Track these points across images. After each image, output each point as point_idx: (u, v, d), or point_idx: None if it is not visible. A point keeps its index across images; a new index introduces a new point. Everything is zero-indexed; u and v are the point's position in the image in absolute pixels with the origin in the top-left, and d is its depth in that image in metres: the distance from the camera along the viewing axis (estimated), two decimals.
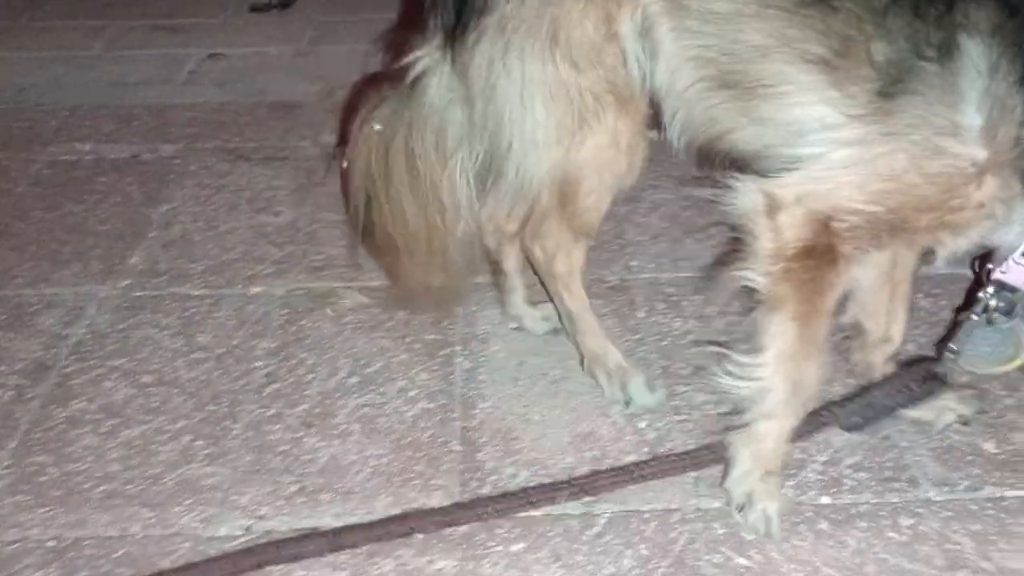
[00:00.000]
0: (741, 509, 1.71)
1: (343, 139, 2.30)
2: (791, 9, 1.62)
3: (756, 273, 1.65)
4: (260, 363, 2.11)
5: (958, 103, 1.52)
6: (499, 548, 1.69)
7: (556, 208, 1.91)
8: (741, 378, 1.69)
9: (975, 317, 1.78)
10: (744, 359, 1.69)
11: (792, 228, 1.61)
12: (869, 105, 1.57)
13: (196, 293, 2.33)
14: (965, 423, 1.93)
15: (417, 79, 1.97)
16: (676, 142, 1.86)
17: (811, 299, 1.64)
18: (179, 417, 1.96)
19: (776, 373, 1.67)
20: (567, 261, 2.00)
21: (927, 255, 1.79)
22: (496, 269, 2.24)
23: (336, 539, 1.68)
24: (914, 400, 1.85)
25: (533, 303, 2.23)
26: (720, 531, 1.71)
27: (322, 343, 2.17)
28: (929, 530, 1.71)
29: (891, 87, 1.54)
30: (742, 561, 1.66)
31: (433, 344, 2.17)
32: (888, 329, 1.96)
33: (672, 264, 2.41)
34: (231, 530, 1.72)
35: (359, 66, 3.55)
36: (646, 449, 1.89)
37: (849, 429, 1.86)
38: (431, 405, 2.00)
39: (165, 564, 1.64)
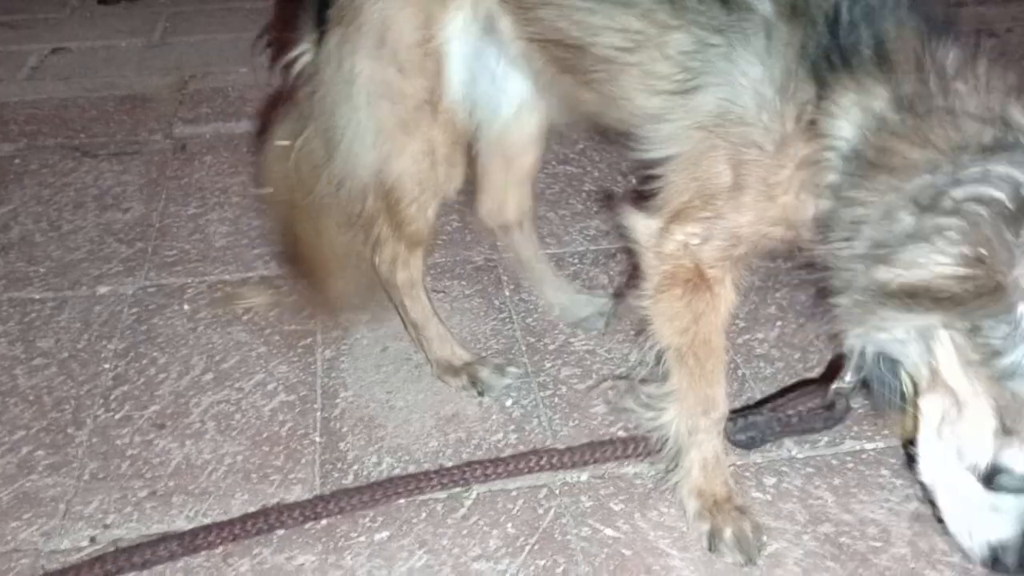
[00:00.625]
0: (713, 548, 1.60)
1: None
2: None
3: (641, 302, 1.59)
4: (107, 365, 2.00)
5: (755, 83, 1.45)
6: (362, 538, 1.63)
7: (384, 214, 1.86)
8: (651, 409, 1.64)
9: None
10: (650, 390, 1.65)
11: (656, 255, 1.55)
12: (673, 99, 1.52)
13: (37, 297, 2.20)
14: None
15: (304, 80, 1.88)
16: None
17: (691, 330, 1.56)
18: (17, 428, 1.84)
19: (679, 407, 1.61)
20: (405, 271, 1.94)
21: None
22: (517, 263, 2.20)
23: (189, 541, 1.60)
24: (798, 431, 1.74)
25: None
26: (587, 504, 1.70)
27: (174, 341, 2.07)
28: (792, 487, 1.73)
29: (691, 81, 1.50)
30: (609, 532, 1.64)
31: (293, 335, 2.09)
32: None
33: (539, 242, 2.39)
34: (75, 541, 1.62)
35: (215, 56, 3.43)
36: (512, 427, 1.86)
37: (735, 444, 1.73)
38: (290, 397, 1.93)
39: None
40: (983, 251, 1.20)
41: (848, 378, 1.59)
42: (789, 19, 1.43)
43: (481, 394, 1.94)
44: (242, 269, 2.28)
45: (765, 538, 1.61)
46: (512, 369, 1.98)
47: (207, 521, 1.65)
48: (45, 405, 1.89)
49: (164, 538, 1.61)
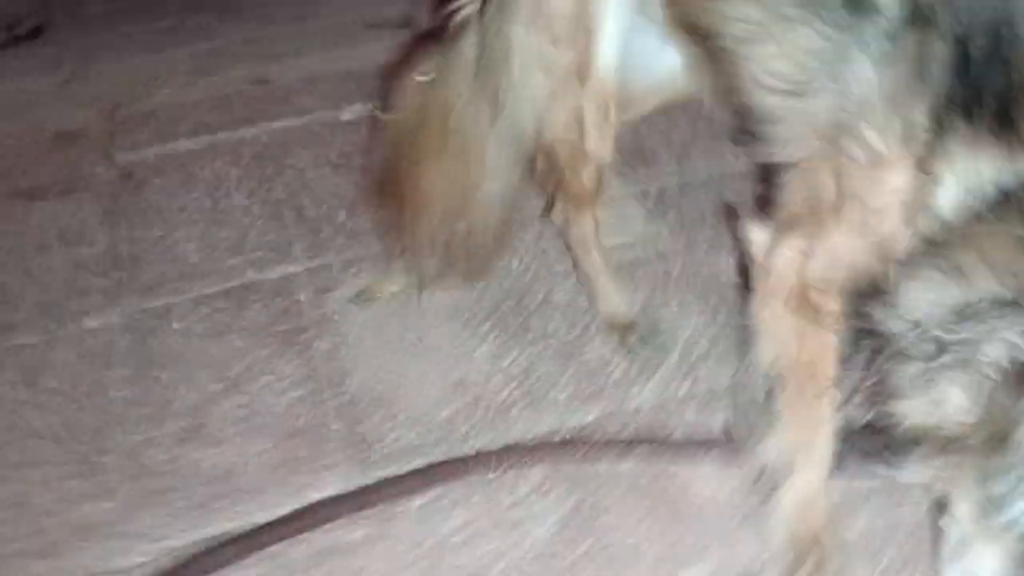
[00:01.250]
0: None
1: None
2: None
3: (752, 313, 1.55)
4: (116, 393, 2.06)
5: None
6: (400, 508, 1.76)
7: (550, 175, 1.96)
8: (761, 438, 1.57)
9: None
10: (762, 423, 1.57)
11: (765, 267, 1.51)
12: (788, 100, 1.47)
13: (28, 341, 2.23)
14: None
15: (459, 28, 1.93)
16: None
17: (791, 351, 1.50)
18: (44, 465, 1.90)
19: (780, 435, 1.54)
20: (576, 228, 2.04)
21: None
22: None
23: (248, 541, 1.70)
24: None
25: None
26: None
27: (175, 359, 2.14)
28: None
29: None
30: (628, 466, 1.79)
31: (287, 334, 2.18)
32: None
33: None
34: (135, 557, 1.70)
35: (135, 81, 3.44)
36: (515, 384, 1.99)
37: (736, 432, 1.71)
38: (301, 392, 2.02)
39: None
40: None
41: None
42: (918, 28, 1.31)
43: (629, 353, 2.03)
44: (221, 280, 2.34)
45: None
46: (657, 339, 2.04)
47: (251, 520, 1.75)
48: (65, 440, 1.95)
49: (226, 542, 1.70)
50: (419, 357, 2.08)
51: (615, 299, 2.09)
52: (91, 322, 2.27)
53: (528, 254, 2.32)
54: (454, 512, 1.75)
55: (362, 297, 2.21)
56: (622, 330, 2.06)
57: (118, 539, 1.74)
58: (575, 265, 2.14)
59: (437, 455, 1.85)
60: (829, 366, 1.51)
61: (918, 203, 1.31)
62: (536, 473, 1.79)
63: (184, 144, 2.96)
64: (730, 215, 1.71)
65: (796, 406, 1.51)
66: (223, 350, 2.15)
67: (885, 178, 1.33)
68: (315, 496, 1.80)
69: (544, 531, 1.70)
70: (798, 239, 1.46)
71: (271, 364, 2.10)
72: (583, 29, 1.78)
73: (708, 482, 1.75)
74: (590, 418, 1.90)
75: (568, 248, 2.13)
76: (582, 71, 1.81)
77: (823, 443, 1.55)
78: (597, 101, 1.84)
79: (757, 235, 1.53)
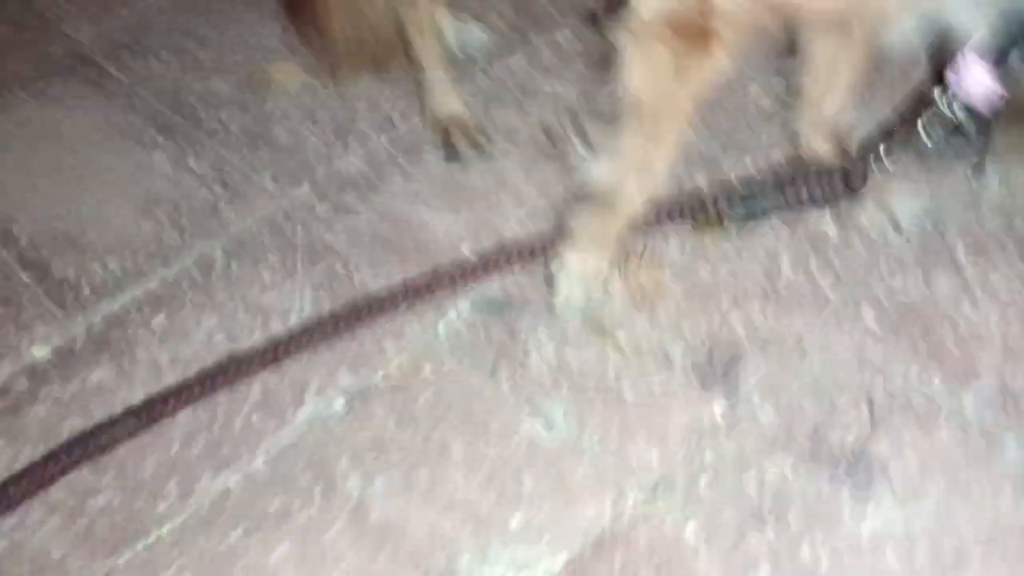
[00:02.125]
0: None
1: None
2: None
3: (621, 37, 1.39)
4: None
5: None
6: None
7: None
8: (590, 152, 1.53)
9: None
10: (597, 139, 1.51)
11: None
12: None
13: None
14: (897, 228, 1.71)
15: None
16: None
17: (663, 85, 1.39)
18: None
19: (617, 164, 1.48)
20: (417, 11, 1.84)
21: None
22: None
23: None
24: (806, 206, 1.63)
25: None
26: None
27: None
28: None
29: None
30: None
31: None
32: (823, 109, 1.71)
33: None
34: None
35: None
36: (210, 181, 1.85)
37: (731, 221, 1.66)
38: None
39: None
40: None
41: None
42: None
43: (447, 160, 1.87)
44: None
45: None
46: (483, 143, 1.88)
47: None
48: None
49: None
50: (88, 181, 1.85)
51: (451, 94, 1.93)
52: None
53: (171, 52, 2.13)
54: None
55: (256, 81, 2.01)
56: (451, 128, 1.91)
57: None
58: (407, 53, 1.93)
59: (155, 274, 1.69)
60: (690, 104, 1.43)
61: None
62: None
63: None
64: None
65: (643, 139, 1.44)
66: None
67: None
68: (39, 354, 1.59)
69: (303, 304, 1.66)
70: None
71: None
72: None
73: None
74: (304, 189, 1.83)
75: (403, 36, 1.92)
76: None
77: (657, 172, 1.49)
78: None
79: None
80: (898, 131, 1.61)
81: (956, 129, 1.50)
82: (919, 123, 1.52)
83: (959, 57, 1.36)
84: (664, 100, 1.40)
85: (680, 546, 1.31)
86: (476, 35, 2.10)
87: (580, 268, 1.58)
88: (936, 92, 1.48)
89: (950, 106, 1.47)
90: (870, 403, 1.45)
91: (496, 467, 1.40)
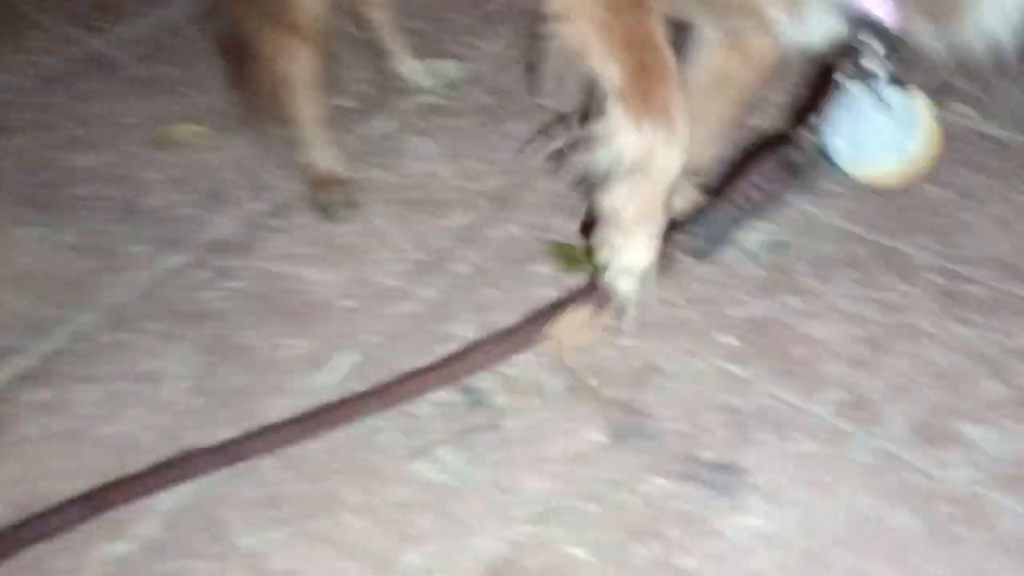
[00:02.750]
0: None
1: None
2: None
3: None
4: None
5: None
6: None
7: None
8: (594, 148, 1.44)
9: (848, 81, 1.30)
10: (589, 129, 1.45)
11: None
12: None
13: None
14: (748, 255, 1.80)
15: None
16: None
17: (616, 22, 1.35)
18: None
19: (629, 127, 1.39)
20: (293, 64, 1.83)
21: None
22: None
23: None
24: (763, 204, 1.49)
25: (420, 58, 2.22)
26: None
27: None
28: None
29: None
30: None
31: None
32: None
33: None
34: None
35: None
36: (86, 251, 1.86)
37: (697, 255, 1.58)
38: None
39: None
40: None
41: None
42: None
43: (323, 218, 1.91)
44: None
45: None
46: (358, 200, 1.93)
47: None
48: None
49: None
50: None
51: (325, 153, 1.96)
52: None
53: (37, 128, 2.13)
54: None
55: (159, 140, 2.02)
56: (326, 186, 1.94)
57: None
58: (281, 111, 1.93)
59: (34, 349, 1.69)
60: (662, 33, 1.38)
61: None
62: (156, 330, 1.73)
63: None
64: None
65: (636, 77, 1.36)
66: None
67: None
68: None
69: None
70: None
71: None
72: None
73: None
74: (182, 256, 1.85)
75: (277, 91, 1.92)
76: None
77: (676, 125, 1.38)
78: None
79: None
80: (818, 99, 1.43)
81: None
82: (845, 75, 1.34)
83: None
84: (628, 32, 1.35)
85: (571, 567, 1.38)
86: (450, 68, 2.26)
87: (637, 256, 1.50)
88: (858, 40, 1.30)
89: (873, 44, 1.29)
90: (734, 418, 1.56)
91: (390, 509, 1.45)
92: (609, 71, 1.37)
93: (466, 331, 1.71)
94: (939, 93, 2.16)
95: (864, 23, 1.22)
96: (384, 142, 2.12)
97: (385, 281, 1.81)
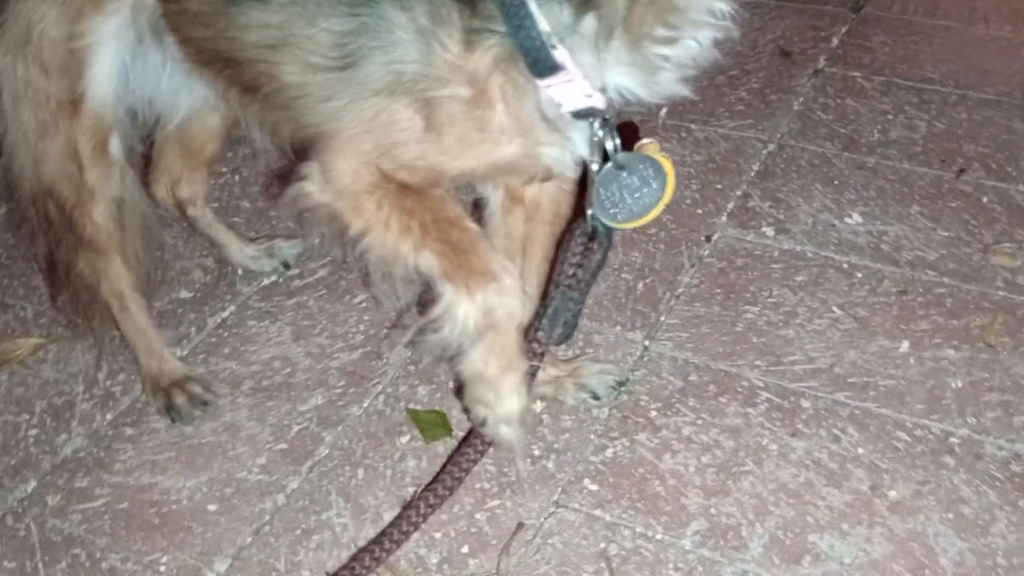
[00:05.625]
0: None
1: None
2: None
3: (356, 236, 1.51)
4: None
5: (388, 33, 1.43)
6: None
7: (58, 219, 1.78)
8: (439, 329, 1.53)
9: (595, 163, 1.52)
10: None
11: (344, 174, 1.49)
12: (339, 83, 1.48)
13: None
14: (596, 398, 1.91)
15: None
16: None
17: (413, 221, 1.49)
18: None
19: (463, 299, 1.50)
20: (106, 281, 1.89)
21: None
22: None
23: None
24: (590, 277, 1.62)
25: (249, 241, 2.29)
26: None
27: None
28: None
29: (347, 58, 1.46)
30: None
31: None
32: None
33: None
34: None
35: None
36: None
37: (560, 342, 1.70)
38: None
39: None
40: None
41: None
42: None
43: (174, 421, 1.90)
44: None
45: None
46: (210, 397, 1.94)
47: None
48: None
49: None
50: None
51: (163, 356, 1.96)
52: None
53: None
54: None
55: None
56: (170, 389, 1.92)
57: None
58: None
59: None
60: (453, 207, 1.54)
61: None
62: None
63: None
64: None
65: (452, 256, 1.50)
66: None
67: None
68: None
69: None
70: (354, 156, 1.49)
71: None
72: (76, 55, 1.70)
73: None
74: (31, 484, 1.79)
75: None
76: (75, 99, 1.72)
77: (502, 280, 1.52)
78: (93, 133, 1.75)
79: (308, 179, 1.53)
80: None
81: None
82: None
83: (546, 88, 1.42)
84: (428, 224, 1.50)
85: None
86: (283, 247, 2.30)
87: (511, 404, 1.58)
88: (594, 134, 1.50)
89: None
90: (608, 565, 1.62)
91: None
92: (425, 261, 1.50)
93: (339, 518, 1.72)
94: (741, 218, 2.37)
95: (589, 118, 1.44)
96: (228, 331, 2.13)
97: (248, 477, 1.81)
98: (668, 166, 1.50)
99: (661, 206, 1.52)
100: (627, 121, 1.53)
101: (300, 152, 1.63)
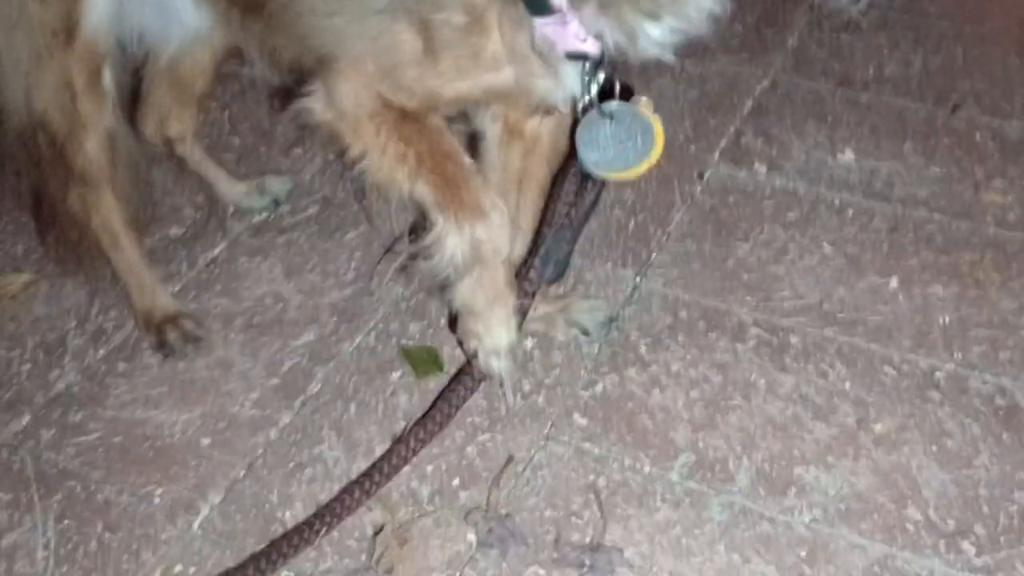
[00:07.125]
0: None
1: None
2: None
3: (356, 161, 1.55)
4: None
5: None
6: None
7: (49, 152, 1.75)
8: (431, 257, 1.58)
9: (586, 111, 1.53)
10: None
11: (346, 97, 1.52)
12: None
13: None
14: (586, 334, 1.92)
15: None
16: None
17: (411, 150, 1.53)
18: None
19: (453, 231, 1.55)
20: (97, 215, 1.85)
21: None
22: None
23: None
24: (582, 218, 1.69)
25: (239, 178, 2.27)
26: None
27: None
28: None
29: None
30: None
31: None
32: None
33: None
34: None
35: None
36: None
37: (552, 282, 1.78)
38: None
39: None
40: None
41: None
42: None
43: (167, 357, 1.90)
44: None
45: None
46: (202, 333, 1.93)
47: None
48: None
49: None
50: None
51: (156, 292, 1.95)
52: None
53: None
54: None
55: None
56: (163, 325, 1.92)
57: None
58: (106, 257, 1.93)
59: None
60: (451, 142, 1.57)
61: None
62: None
63: None
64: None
65: (445, 189, 1.54)
66: None
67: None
68: None
69: None
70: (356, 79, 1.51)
71: None
72: None
73: None
74: (25, 419, 1.81)
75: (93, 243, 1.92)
76: (69, 26, 1.68)
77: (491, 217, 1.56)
78: (86, 63, 1.71)
79: (312, 97, 1.55)
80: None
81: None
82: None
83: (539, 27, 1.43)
84: (424, 156, 1.53)
85: None
86: (274, 184, 2.29)
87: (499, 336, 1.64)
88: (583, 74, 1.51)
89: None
90: (597, 497, 1.65)
91: None
92: (419, 191, 1.55)
93: (331, 452, 1.74)
94: (734, 154, 2.36)
95: (581, 61, 1.45)
96: (220, 268, 2.13)
97: (240, 412, 1.82)
98: (658, 128, 1.51)
99: (646, 165, 1.52)
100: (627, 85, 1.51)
101: (299, 82, 1.61)
